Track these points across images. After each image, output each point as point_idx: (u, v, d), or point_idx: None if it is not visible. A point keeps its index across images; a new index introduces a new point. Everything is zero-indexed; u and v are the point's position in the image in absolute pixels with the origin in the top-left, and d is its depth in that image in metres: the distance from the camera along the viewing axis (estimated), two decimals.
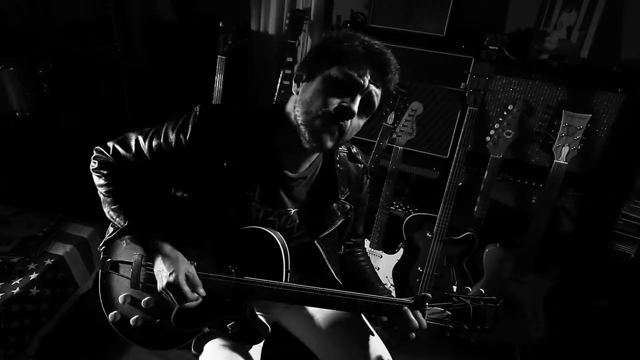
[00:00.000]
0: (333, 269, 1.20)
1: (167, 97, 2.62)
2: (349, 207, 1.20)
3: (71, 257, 2.00)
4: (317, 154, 1.13)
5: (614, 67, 1.78)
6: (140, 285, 1.14)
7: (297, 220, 1.15)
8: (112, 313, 1.15)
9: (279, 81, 2.19)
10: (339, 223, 1.19)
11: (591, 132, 1.74)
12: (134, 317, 1.13)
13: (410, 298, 1.04)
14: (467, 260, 1.92)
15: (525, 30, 1.98)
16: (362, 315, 1.28)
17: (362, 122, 1.03)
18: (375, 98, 0.99)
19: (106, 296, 1.17)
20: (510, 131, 1.79)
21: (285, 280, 1.05)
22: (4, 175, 2.34)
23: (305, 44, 2.30)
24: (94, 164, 1.12)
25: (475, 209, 1.89)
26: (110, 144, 1.12)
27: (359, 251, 1.37)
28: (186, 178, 1.10)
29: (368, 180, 1.27)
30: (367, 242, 2.08)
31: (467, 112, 1.79)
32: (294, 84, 1.05)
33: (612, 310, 2.01)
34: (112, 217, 1.10)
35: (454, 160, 1.82)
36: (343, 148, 1.20)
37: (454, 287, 1.92)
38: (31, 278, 1.79)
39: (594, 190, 1.88)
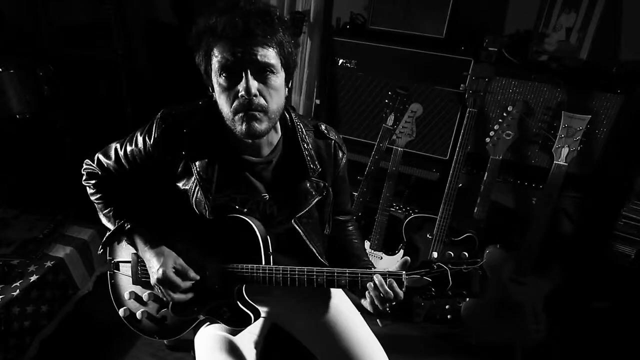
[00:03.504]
0: (316, 249, 1.20)
1: (167, 99, 2.62)
2: (322, 184, 1.17)
3: (71, 259, 2.00)
4: (277, 137, 1.14)
5: (613, 68, 1.79)
6: (140, 280, 1.22)
7: (275, 205, 1.17)
8: (122, 309, 1.25)
9: None
10: (314, 201, 1.17)
11: (590, 133, 1.74)
12: (139, 311, 1.22)
13: (386, 269, 1.02)
14: None
15: (525, 31, 1.99)
16: (361, 315, 1.28)
17: (274, 81, 0.97)
18: (267, 59, 0.94)
19: (115, 294, 1.28)
20: (509, 132, 1.79)
21: (267, 264, 1.09)
22: (5, 177, 2.34)
23: (304, 45, 2.30)
24: (83, 176, 1.21)
25: (475, 210, 1.89)
26: (95, 156, 1.21)
27: (350, 226, 1.36)
28: (162, 180, 1.16)
29: (344, 155, 1.23)
30: (367, 244, 2.08)
31: (467, 114, 1.79)
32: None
33: (612, 311, 2.01)
34: (106, 223, 1.20)
35: (453, 161, 1.82)
36: (309, 126, 1.18)
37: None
38: (31, 280, 1.80)
39: (593, 191, 1.88)
